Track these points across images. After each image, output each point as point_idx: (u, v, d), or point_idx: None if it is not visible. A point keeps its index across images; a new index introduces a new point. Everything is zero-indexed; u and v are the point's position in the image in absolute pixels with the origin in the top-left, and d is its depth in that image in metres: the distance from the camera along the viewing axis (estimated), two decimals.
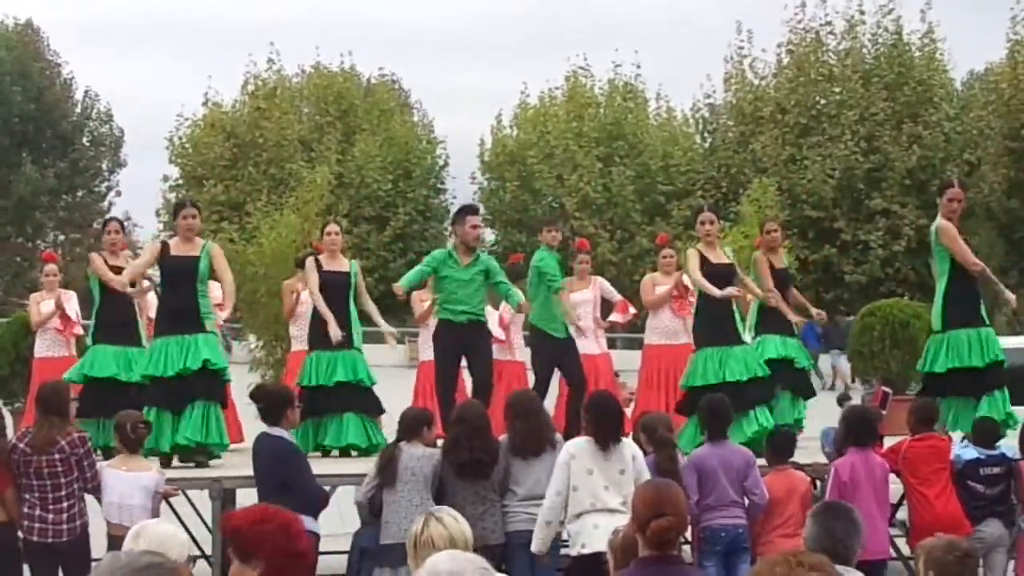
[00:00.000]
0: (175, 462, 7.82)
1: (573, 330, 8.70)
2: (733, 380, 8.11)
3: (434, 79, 48.58)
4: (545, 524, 6.04)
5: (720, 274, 8.46)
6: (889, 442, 7.50)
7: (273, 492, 5.91)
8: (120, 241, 8.85)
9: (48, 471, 6.37)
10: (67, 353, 9.88)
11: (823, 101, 27.73)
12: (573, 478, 5.92)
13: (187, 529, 7.62)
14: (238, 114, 29.89)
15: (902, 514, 7.55)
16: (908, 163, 26.49)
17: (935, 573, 3.82)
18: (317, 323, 8.76)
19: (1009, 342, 9.21)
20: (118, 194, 35.80)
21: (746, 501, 6.62)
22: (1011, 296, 8.10)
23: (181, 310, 7.80)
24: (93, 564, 5.77)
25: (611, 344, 13.04)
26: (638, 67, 30.78)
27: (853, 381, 20.20)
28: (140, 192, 52.29)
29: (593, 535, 5.74)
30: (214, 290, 9.09)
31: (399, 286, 7.92)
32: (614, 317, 10.79)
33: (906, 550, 7.54)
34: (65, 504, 6.39)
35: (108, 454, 7.26)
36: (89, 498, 6.63)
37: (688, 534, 6.49)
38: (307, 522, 5.47)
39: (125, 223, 10.79)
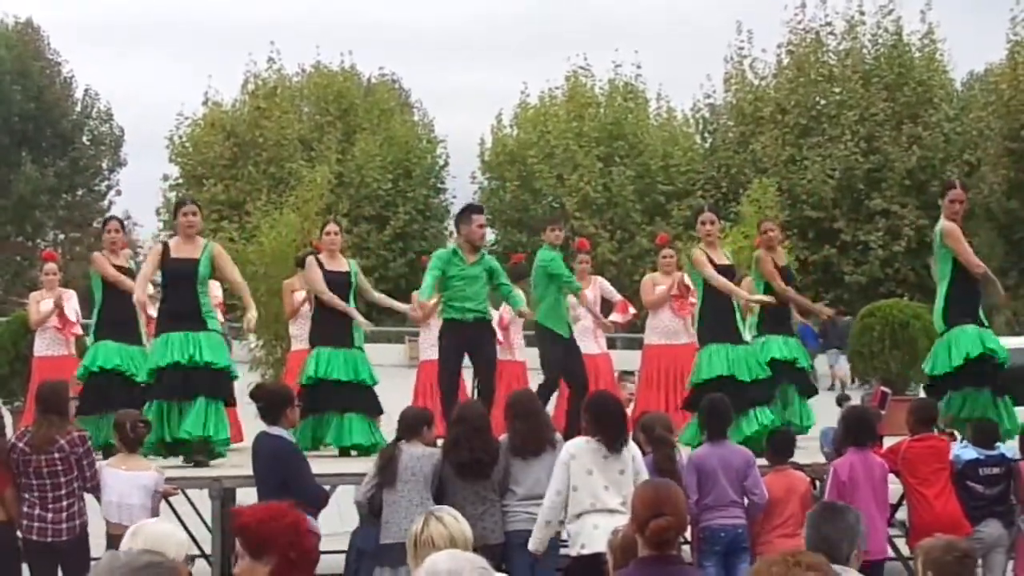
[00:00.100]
0: (175, 462, 7.82)
1: (581, 326, 8.67)
2: (741, 378, 8.12)
3: (434, 79, 48.66)
4: (544, 524, 6.04)
5: (722, 275, 8.47)
6: (888, 442, 7.51)
7: (273, 491, 5.90)
8: (120, 240, 8.85)
9: (47, 470, 6.37)
10: (66, 352, 9.88)
11: (823, 101, 27.75)
12: (573, 478, 5.92)
13: (187, 528, 7.62)
14: (238, 113, 29.92)
15: (901, 514, 7.55)
16: (908, 164, 26.51)
17: (934, 573, 3.82)
18: (320, 321, 8.75)
19: (1009, 343, 9.20)
20: (118, 193, 35.90)
21: (746, 501, 6.62)
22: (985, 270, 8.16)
23: (182, 312, 7.80)
24: (92, 563, 5.76)
25: (611, 344, 13.04)
26: (638, 67, 30.90)
27: (853, 382, 20.20)
28: (140, 191, 52.40)
29: (593, 535, 5.74)
30: (214, 290, 9.10)
31: (423, 301, 7.88)
32: (614, 317, 10.78)
33: (906, 550, 7.54)
34: (64, 503, 6.39)
35: (109, 452, 7.26)
36: (89, 497, 6.63)
37: (688, 534, 6.49)
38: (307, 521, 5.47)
39: (125, 222, 10.79)
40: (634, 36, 56.68)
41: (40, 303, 10.01)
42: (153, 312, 8.46)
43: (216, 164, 28.81)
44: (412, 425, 6.58)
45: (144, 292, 7.79)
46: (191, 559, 5.30)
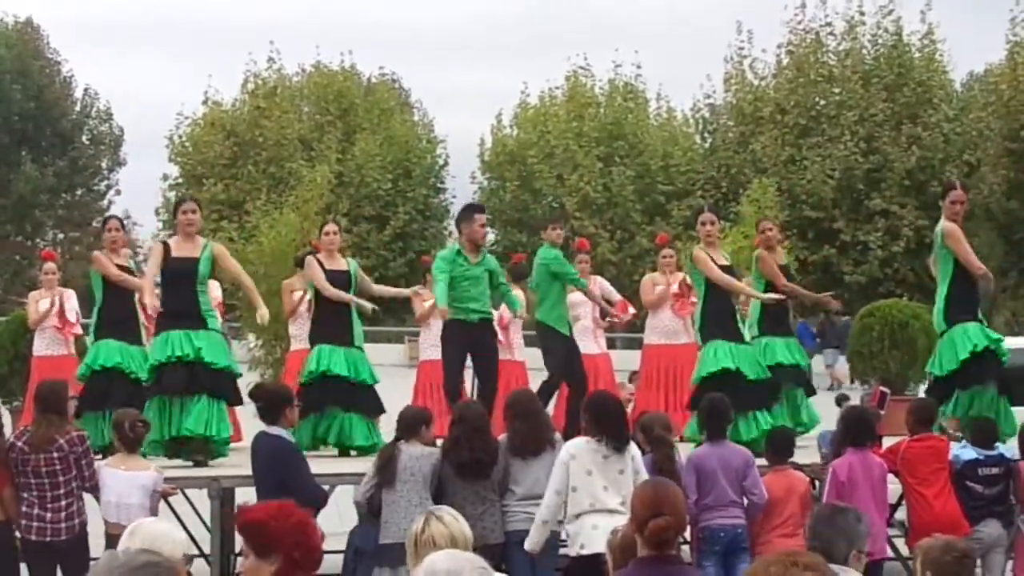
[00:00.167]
0: (174, 461, 7.81)
1: (581, 326, 8.64)
2: (745, 374, 8.12)
3: (434, 79, 48.66)
4: (542, 523, 6.04)
5: None
6: (888, 442, 7.51)
7: (272, 491, 5.90)
8: (120, 239, 8.85)
9: (46, 470, 6.37)
10: (66, 352, 9.88)
11: (823, 102, 27.75)
12: (572, 478, 5.92)
13: (186, 528, 7.62)
14: (238, 113, 29.90)
15: (901, 514, 7.55)
16: (907, 164, 26.51)
17: (932, 573, 3.82)
18: (320, 321, 8.75)
19: (1008, 343, 9.20)
20: (118, 192, 35.90)
21: (745, 501, 6.62)
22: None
23: (182, 311, 7.80)
24: (91, 563, 5.76)
25: (611, 344, 13.04)
26: (638, 67, 30.87)
27: (852, 381, 20.19)
28: (140, 191, 52.43)
29: (592, 536, 5.74)
30: (213, 290, 9.09)
31: (442, 309, 7.88)
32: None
33: (905, 550, 7.54)
34: (63, 503, 6.38)
35: (111, 452, 7.25)
36: (88, 497, 6.63)
37: (688, 534, 6.49)
38: None
39: (124, 221, 10.78)
40: (634, 36, 56.70)
41: (39, 303, 10.01)
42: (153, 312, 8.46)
43: (216, 164, 28.80)
44: (411, 424, 6.58)
45: (154, 298, 7.75)
46: (189, 559, 5.30)
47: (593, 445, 5.94)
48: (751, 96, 28.47)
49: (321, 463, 7.79)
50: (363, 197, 29.06)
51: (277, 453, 6.31)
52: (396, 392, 9.62)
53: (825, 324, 26.76)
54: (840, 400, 11.66)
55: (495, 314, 9.66)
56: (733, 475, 6.55)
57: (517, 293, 10.07)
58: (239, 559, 8.06)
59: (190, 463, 7.78)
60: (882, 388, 10.02)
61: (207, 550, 7.64)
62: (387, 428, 7.84)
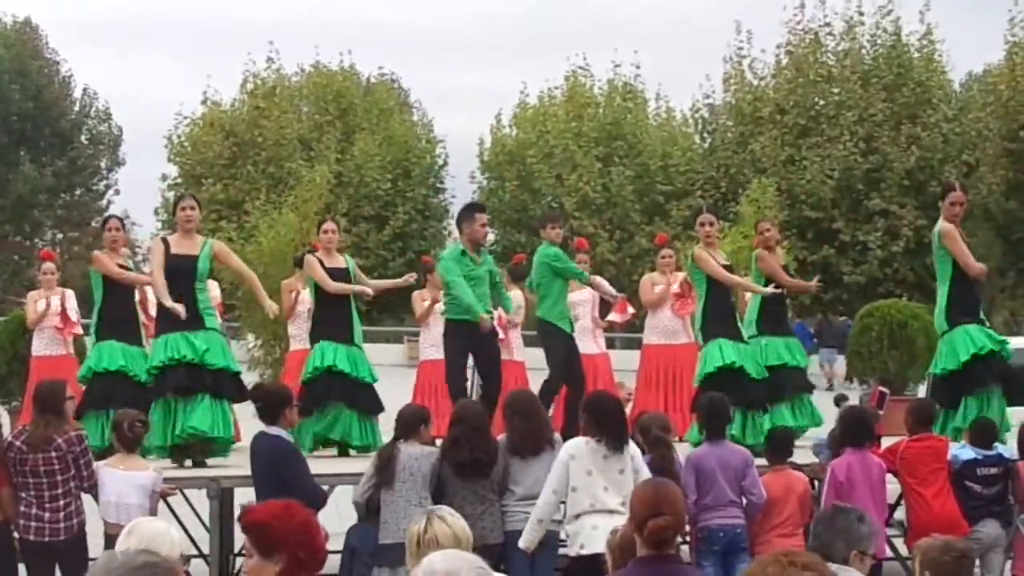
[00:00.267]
0: (173, 463, 7.81)
1: (580, 326, 8.63)
2: (748, 372, 8.13)
3: (434, 79, 48.64)
4: (537, 522, 6.03)
5: None
6: (887, 442, 7.51)
7: (271, 491, 5.90)
8: (121, 239, 8.86)
9: (44, 469, 6.36)
10: (65, 352, 9.88)
11: (822, 102, 27.75)
12: (572, 479, 5.92)
13: (184, 528, 7.62)
14: (237, 113, 29.89)
15: (900, 514, 7.55)
16: (907, 164, 26.51)
17: (931, 574, 3.83)
18: (320, 321, 8.74)
19: (1011, 342, 9.20)
20: (116, 192, 35.89)
21: (744, 501, 6.62)
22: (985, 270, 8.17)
23: (184, 305, 7.79)
24: (90, 563, 5.76)
25: (610, 344, 13.05)
26: (637, 67, 30.83)
27: (851, 381, 20.20)
28: (139, 191, 52.35)
29: (592, 536, 5.74)
30: (213, 290, 9.09)
31: (485, 317, 7.87)
32: (613, 317, 10.80)
33: (904, 550, 7.54)
34: (62, 503, 6.38)
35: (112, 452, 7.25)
36: (87, 497, 6.62)
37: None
38: None
39: (124, 221, 10.78)
40: (634, 36, 56.72)
41: (38, 303, 10.00)
42: (154, 311, 8.47)
43: (215, 164, 28.78)
44: (410, 423, 6.57)
45: (169, 298, 7.73)
46: (187, 559, 5.29)
47: (593, 445, 5.94)
48: (750, 96, 28.46)
49: (320, 463, 7.79)
50: (362, 197, 29.04)
51: (276, 453, 6.31)
52: (395, 392, 9.63)
53: (823, 324, 26.77)
54: (839, 400, 11.68)
55: (495, 313, 9.68)
56: (732, 475, 6.55)
57: (516, 293, 10.09)
58: (239, 559, 8.06)
59: (190, 463, 7.78)
60: (881, 388, 10.03)
61: (206, 550, 7.63)
62: (386, 428, 7.84)
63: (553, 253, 8.49)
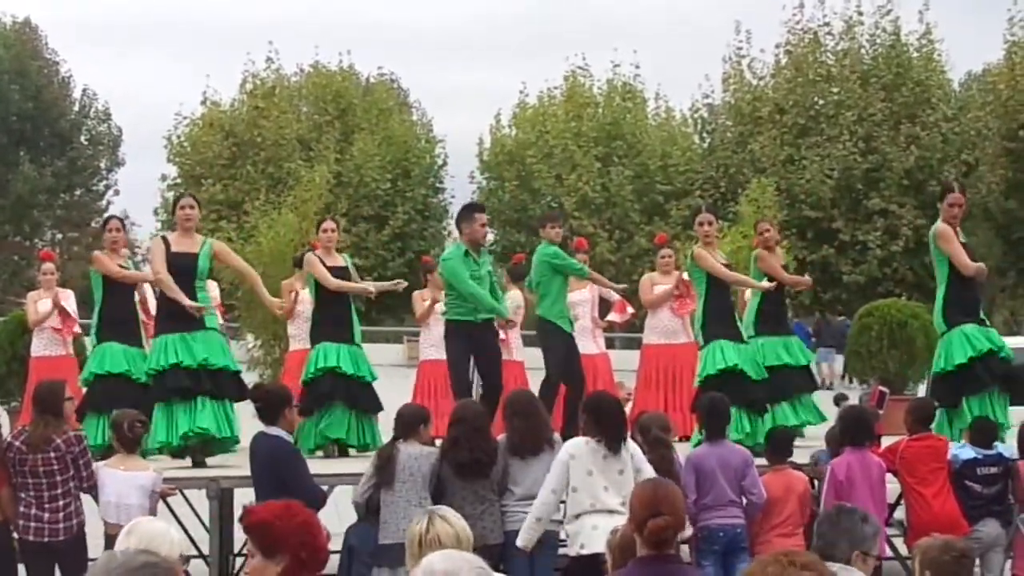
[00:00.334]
0: (172, 462, 7.81)
1: (579, 326, 8.63)
2: (749, 375, 8.13)
3: (434, 79, 48.65)
4: (535, 521, 6.02)
5: None
6: (887, 442, 7.51)
7: (270, 492, 5.89)
8: (121, 239, 8.86)
9: (44, 470, 6.36)
10: (64, 352, 9.87)
11: (821, 101, 27.75)
12: (572, 479, 5.91)
13: (184, 529, 7.62)
14: (236, 113, 29.88)
15: (900, 514, 7.55)
16: (906, 163, 26.51)
17: (931, 573, 3.83)
18: (321, 320, 8.73)
19: (1010, 342, 9.20)
20: (116, 193, 35.90)
21: (744, 501, 6.62)
22: (984, 271, 8.11)
23: (179, 311, 7.79)
24: (89, 563, 5.76)
25: (609, 344, 13.05)
26: (637, 67, 30.78)
27: (850, 381, 20.21)
28: (138, 191, 52.37)
29: (592, 536, 5.74)
30: (212, 290, 9.09)
31: (510, 316, 8.11)
32: (612, 317, 10.80)
33: (904, 550, 7.54)
34: (61, 503, 6.38)
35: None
36: (87, 497, 6.62)
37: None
38: None
39: (124, 221, 10.77)
40: (634, 36, 56.74)
41: (38, 303, 10.00)
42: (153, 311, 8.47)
43: (214, 164, 28.78)
44: (409, 423, 6.57)
45: (181, 293, 7.72)
46: (186, 559, 5.29)
47: (593, 445, 5.94)
48: (749, 96, 28.47)
49: (320, 463, 7.79)
50: (362, 197, 29.04)
51: (276, 453, 6.31)
52: (394, 392, 9.63)
53: (821, 324, 26.77)
54: (839, 400, 11.68)
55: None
56: (732, 475, 6.55)
57: (515, 293, 10.09)
58: (238, 560, 8.06)
59: (189, 463, 7.78)
60: (881, 388, 10.04)
61: (206, 551, 7.63)
62: (386, 428, 7.85)
63: (552, 251, 8.49)
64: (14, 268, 33.24)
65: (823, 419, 9.01)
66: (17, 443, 6.43)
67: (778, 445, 7.09)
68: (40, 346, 9.91)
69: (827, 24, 28.46)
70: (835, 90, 27.66)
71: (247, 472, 6.56)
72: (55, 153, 34.09)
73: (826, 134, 26.98)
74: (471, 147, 30.67)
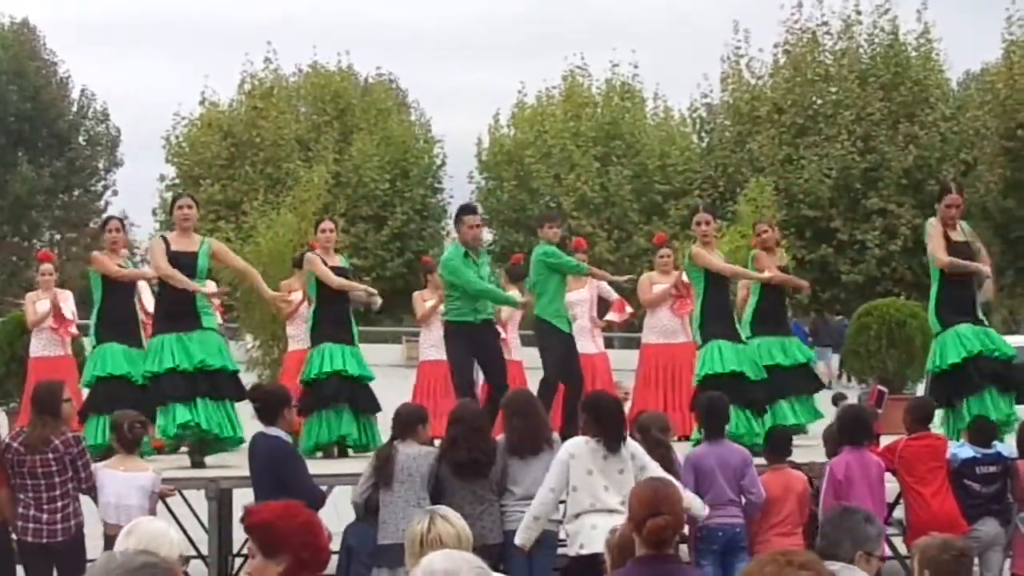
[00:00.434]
0: (172, 462, 7.80)
1: (578, 326, 8.66)
2: (748, 376, 8.13)
3: (434, 79, 48.63)
4: (533, 520, 6.02)
5: (718, 276, 8.50)
6: (886, 441, 7.51)
7: (269, 492, 5.89)
8: (121, 240, 8.86)
9: (42, 471, 6.35)
10: (63, 352, 9.86)
11: (819, 101, 27.77)
12: (572, 478, 5.91)
13: (183, 529, 7.61)
14: (235, 113, 29.87)
15: (899, 513, 7.56)
16: (904, 163, 26.53)
17: (930, 572, 3.83)
18: (321, 320, 8.73)
19: (1009, 341, 9.20)
20: (115, 193, 35.89)
21: (743, 500, 6.62)
22: (987, 271, 8.04)
23: (177, 311, 7.78)
24: (88, 564, 5.75)
25: (608, 343, 13.05)
26: (635, 67, 30.78)
27: (849, 380, 20.23)
28: (137, 192, 52.37)
29: (592, 535, 5.73)
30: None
31: (524, 301, 8.30)
32: (611, 316, 10.80)
33: (903, 549, 7.54)
34: (59, 504, 6.37)
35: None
36: (86, 498, 6.61)
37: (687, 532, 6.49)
38: None
39: (124, 222, 10.77)
40: (634, 36, 56.74)
41: (37, 303, 9.99)
42: (151, 309, 8.47)
43: (213, 164, 28.77)
44: (407, 423, 6.56)
45: (191, 282, 7.73)
46: (186, 559, 5.29)
47: (593, 445, 5.94)
48: (748, 95, 28.48)
49: (319, 463, 7.79)
50: (360, 197, 29.04)
51: (275, 454, 6.31)
52: (393, 392, 9.62)
53: (818, 323, 26.79)
54: (837, 399, 11.69)
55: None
56: (731, 474, 6.55)
57: (514, 293, 10.09)
58: (237, 560, 8.06)
59: (188, 464, 7.78)
60: (880, 387, 10.03)
61: (205, 551, 7.63)
62: (385, 428, 7.85)
63: (547, 250, 8.50)
64: (12, 269, 33.23)
65: (820, 416, 9.01)
66: (15, 444, 6.42)
67: (777, 444, 7.09)
68: (39, 347, 9.90)
69: (825, 24, 28.49)
70: (833, 89, 27.67)
71: (246, 472, 6.56)
72: (53, 154, 34.08)
73: (824, 133, 27.00)
74: (470, 147, 30.70)
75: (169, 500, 7.38)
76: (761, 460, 7.02)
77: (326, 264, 8.76)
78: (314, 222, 13.05)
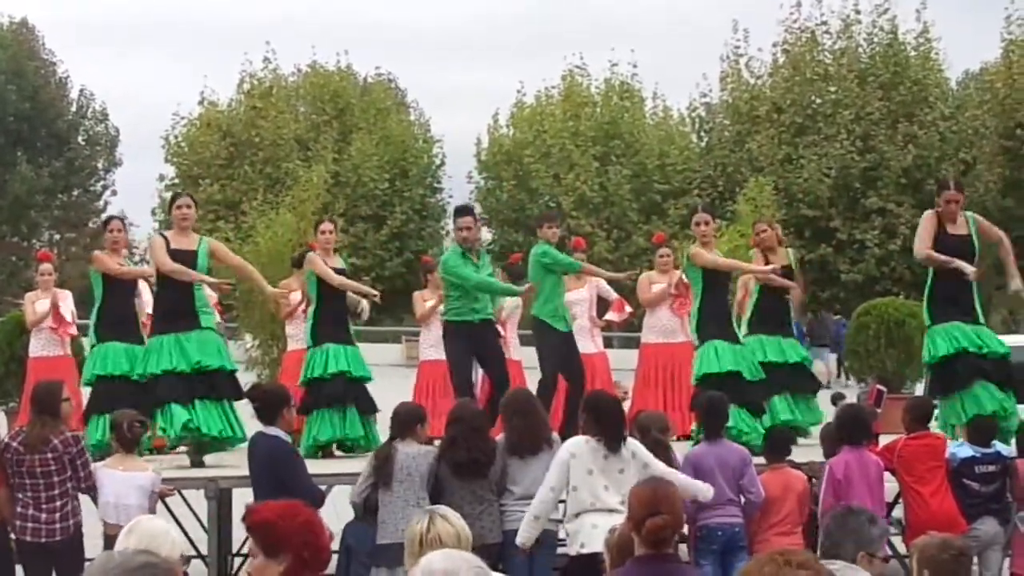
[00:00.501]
0: (172, 463, 7.80)
1: (578, 325, 8.68)
2: (745, 376, 8.13)
3: (434, 79, 48.63)
4: (533, 519, 6.02)
5: (716, 275, 8.50)
6: (885, 440, 7.52)
7: (269, 492, 5.89)
8: (123, 239, 8.87)
9: (41, 470, 6.35)
10: (62, 352, 9.86)
11: (819, 100, 27.78)
12: (573, 478, 5.92)
13: (183, 529, 7.61)
14: (234, 113, 29.87)
15: (898, 512, 7.56)
16: (904, 162, 26.54)
17: (929, 572, 3.83)
18: (322, 321, 8.73)
19: (1008, 341, 9.20)
20: (114, 193, 35.88)
21: (742, 499, 6.63)
22: (969, 269, 8.04)
23: (175, 310, 7.78)
24: (87, 564, 5.75)
25: (608, 343, 13.05)
26: (634, 66, 30.78)
27: (848, 378, 20.24)
28: (136, 192, 52.36)
29: (592, 535, 5.73)
30: (209, 289, 9.08)
31: (528, 287, 8.21)
32: (610, 316, 10.80)
33: (902, 548, 7.54)
34: (58, 503, 6.37)
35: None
36: (85, 498, 6.61)
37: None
38: None
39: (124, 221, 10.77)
40: (634, 36, 56.72)
41: (36, 303, 9.99)
42: (150, 310, 8.47)
43: (212, 164, 28.77)
44: (406, 421, 6.56)
45: (198, 274, 7.75)
46: (187, 559, 5.29)
47: (593, 444, 5.94)
48: (747, 95, 28.49)
49: (318, 463, 7.79)
50: (359, 197, 29.04)
51: (274, 453, 6.31)
52: (393, 392, 9.62)
53: (813, 323, 26.79)
54: (836, 398, 11.68)
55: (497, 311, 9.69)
56: (730, 473, 6.55)
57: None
58: (236, 560, 8.06)
59: (187, 464, 7.78)
60: (879, 386, 10.03)
61: (204, 551, 7.63)
62: (383, 428, 7.85)
63: (543, 250, 8.52)
64: (12, 269, 33.22)
65: (821, 417, 9.00)
66: (14, 444, 6.42)
67: (776, 444, 7.09)
68: (38, 347, 9.90)
69: (824, 23, 28.50)
70: (832, 89, 27.68)
71: (245, 472, 6.56)
72: (52, 154, 34.07)
73: (824, 133, 27.00)
74: (469, 147, 30.70)
75: (168, 500, 7.37)
76: (760, 460, 7.02)
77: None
78: (313, 222, 13.06)
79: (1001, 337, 8.55)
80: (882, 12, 28.17)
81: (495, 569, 3.53)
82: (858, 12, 28.29)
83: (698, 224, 8.70)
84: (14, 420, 9.81)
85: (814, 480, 7.19)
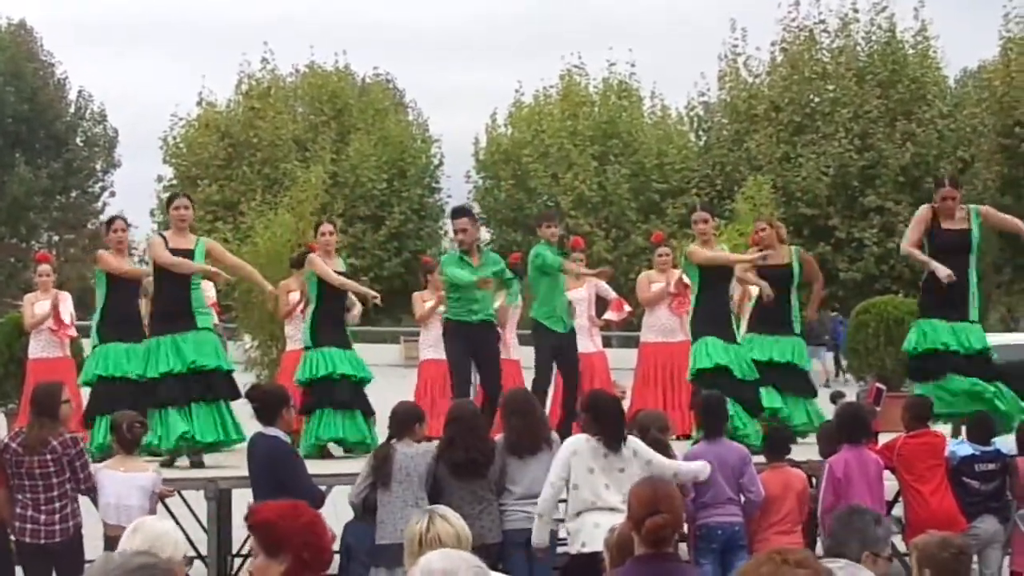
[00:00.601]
0: (174, 464, 7.80)
1: (577, 325, 8.69)
2: (735, 373, 8.13)
3: (434, 79, 48.62)
4: (537, 517, 6.03)
5: (716, 275, 8.49)
6: (884, 439, 7.52)
7: (268, 492, 5.89)
8: (126, 239, 8.86)
9: (40, 472, 6.35)
10: (61, 354, 9.85)
11: (817, 99, 27.79)
12: (573, 476, 5.92)
13: (183, 530, 7.61)
14: (232, 114, 29.88)
15: (898, 511, 7.56)
16: (902, 160, 26.55)
17: (930, 570, 3.83)
18: (321, 322, 8.72)
19: (1007, 339, 9.23)
20: (112, 194, 35.88)
21: (742, 498, 6.62)
22: (944, 271, 8.08)
23: (173, 310, 7.77)
24: (87, 565, 5.75)
25: (607, 342, 13.05)
26: (632, 66, 30.79)
27: (847, 377, 20.24)
28: (135, 192, 52.34)
29: (593, 534, 5.73)
30: (208, 290, 9.08)
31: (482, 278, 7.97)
32: (609, 315, 10.79)
33: (902, 547, 7.55)
34: (57, 505, 6.36)
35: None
36: (85, 499, 6.61)
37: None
38: None
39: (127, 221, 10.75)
40: (634, 36, 56.72)
41: (35, 305, 9.99)
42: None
43: (210, 165, 28.77)
44: (404, 421, 6.55)
45: (202, 265, 7.77)
46: (189, 560, 5.29)
47: (593, 443, 5.94)
48: (745, 94, 28.50)
49: (318, 463, 7.78)
50: (358, 197, 29.05)
51: (274, 454, 6.30)
52: (392, 392, 9.62)
53: (812, 322, 26.77)
54: (835, 397, 11.68)
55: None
56: (730, 472, 6.55)
57: (500, 294, 10.10)
58: (236, 560, 8.06)
59: (187, 464, 7.77)
60: (878, 384, 10.02)
61: (204, 551, 7.62)
62: (382, 428, 7.84)
63: (535, 251, 8.54)
64: (10, 270, 33.21)
65: (823, 420, 8.98)
66: (14, 445, 6.41)
67: (776, 443, 7.09)
68: (37, 348, 9.89)
69: (823, 21, 28.52)
70: (831, 87, 27.70)
71: (245, 473, 6.55)
72: (51, 155, 34.06)
73: (822, 131, 27.02)
74: (467, 147, 30.71)
75: (168, 500, 7.37)
76: (760, 458, 7.02)
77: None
78: (312, 223, 13.07)
79: (1000, 336, 8.58)
80: (880, 10, 28.20)
81: (495, 569, 3.53)
82: (856, 11, 28.32)
83: (696, 222, 8.70)
84: (13, 422, 9.80)
85: (814, 479, 7.19)
